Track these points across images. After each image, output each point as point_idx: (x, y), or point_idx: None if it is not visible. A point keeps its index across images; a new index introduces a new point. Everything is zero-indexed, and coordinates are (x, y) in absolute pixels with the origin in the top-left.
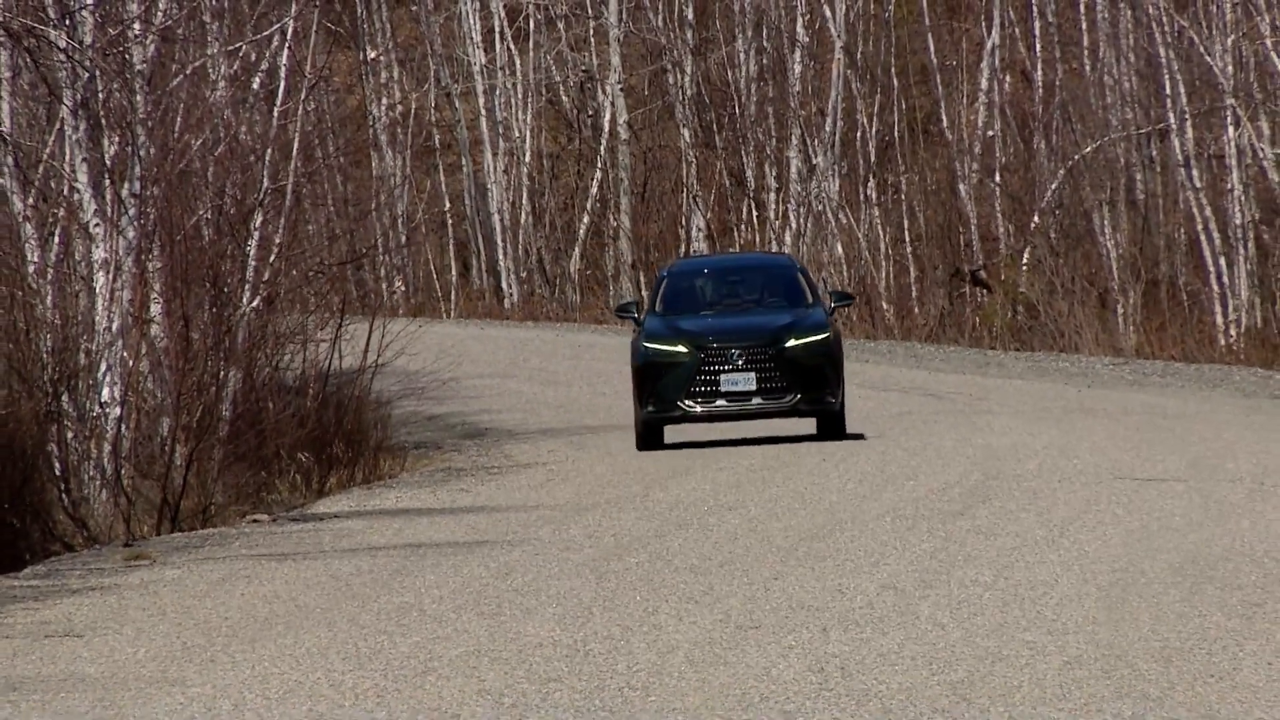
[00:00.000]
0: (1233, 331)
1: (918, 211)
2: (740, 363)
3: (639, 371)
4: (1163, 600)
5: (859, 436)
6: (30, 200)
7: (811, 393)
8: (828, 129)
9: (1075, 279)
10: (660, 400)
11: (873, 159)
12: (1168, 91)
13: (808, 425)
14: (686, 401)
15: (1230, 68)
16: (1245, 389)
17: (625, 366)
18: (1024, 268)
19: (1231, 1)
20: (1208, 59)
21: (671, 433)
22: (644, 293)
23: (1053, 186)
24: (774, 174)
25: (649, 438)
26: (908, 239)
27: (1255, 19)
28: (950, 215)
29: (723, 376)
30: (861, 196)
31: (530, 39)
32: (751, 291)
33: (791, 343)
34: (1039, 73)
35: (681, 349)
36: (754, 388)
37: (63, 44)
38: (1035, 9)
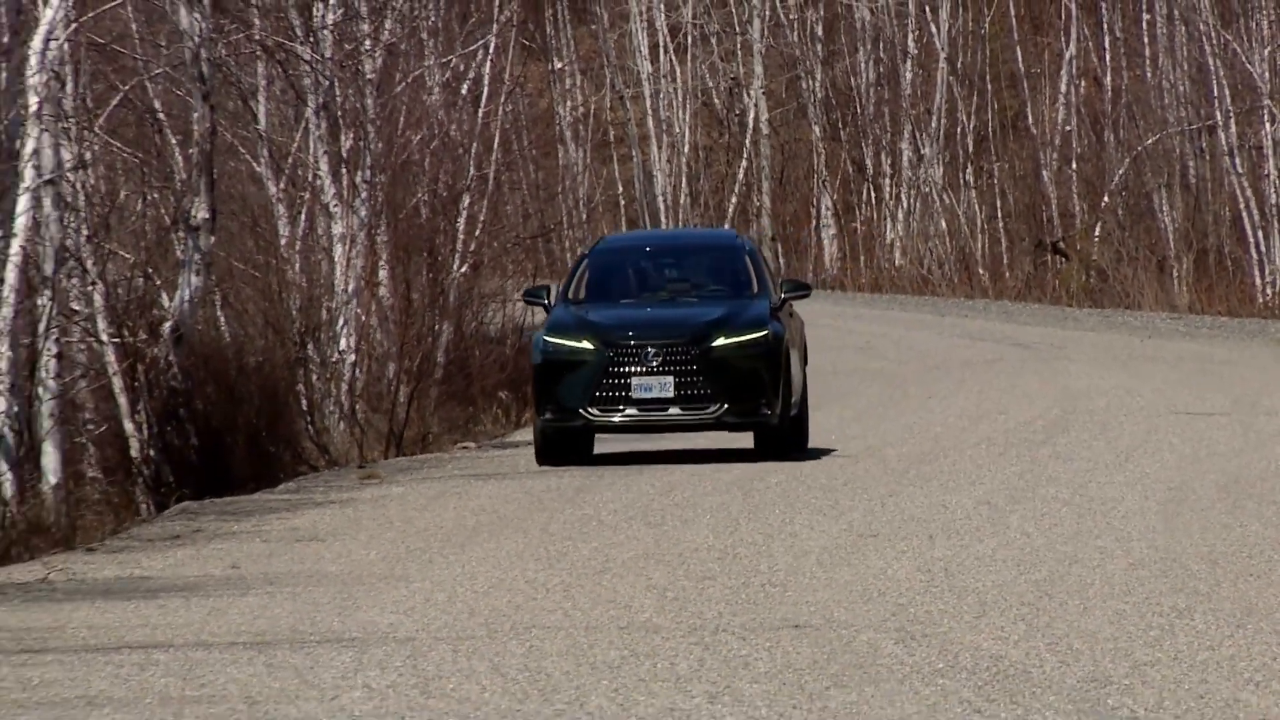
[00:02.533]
0: (1268, 291)
1: (1008, 193)
2: (656, 364)
3: (536, 371)
4: (1210, 513)
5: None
6: (281, 185)
7: (741, 402)
8: (933, 125)
9: (1138, 248)
10: (560, 407)
11: (970, 149)
12: (1215, 94)
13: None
14: (590, 409)
15: (1267, 74)
16: (1279, 339)
17: None
18: (1095, 239)
19: (1269, 19)
20: (1249, 67)
21: (601, 441)
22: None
23: (1119, 172)
24: (889, 162)
25: (550, 450)
26: (999, 216)
27: None
28: (1034, 196)
29: (635, 380)
30: (961, 181)
31: (688, 52)
32: (688, 277)
33: (720, 341)
34: (1108, 78)
35: (586, 345)
36: (671, 394)
37: (307, 57)
38: (1105, 26)
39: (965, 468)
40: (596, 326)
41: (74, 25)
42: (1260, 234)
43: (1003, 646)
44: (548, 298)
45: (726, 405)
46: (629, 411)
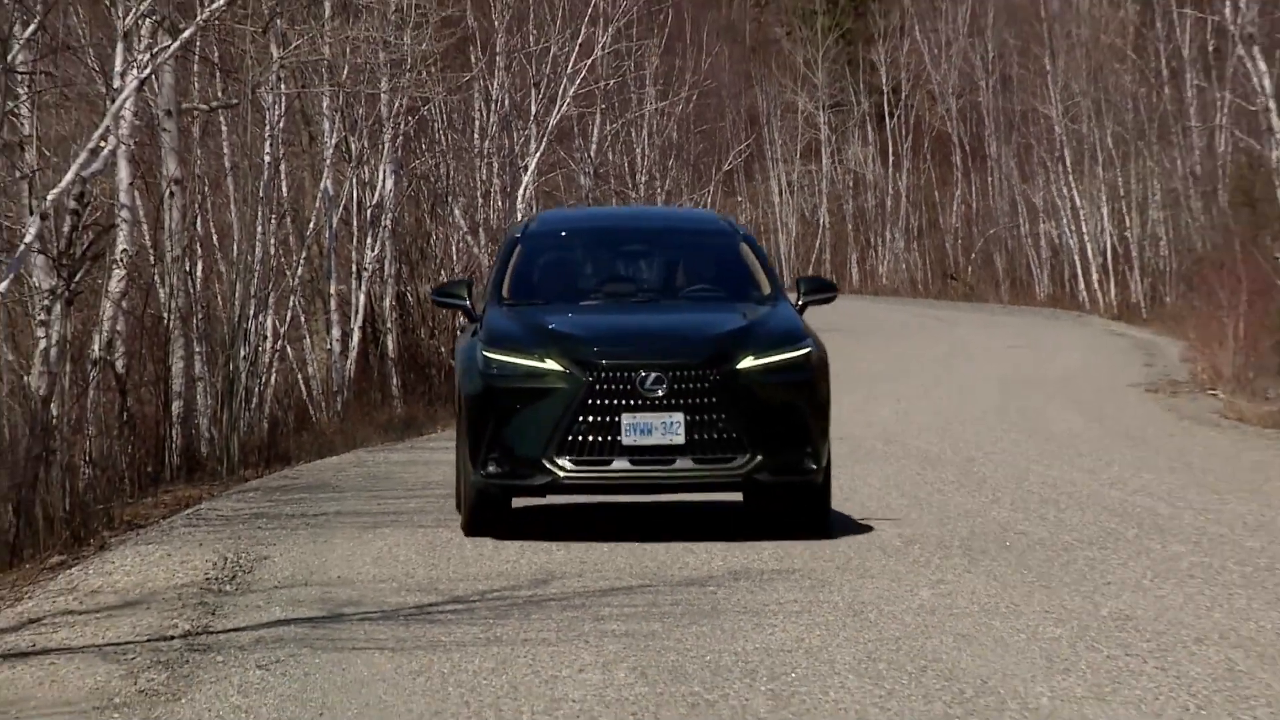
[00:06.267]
0: (1043, 295)
1: (930, 252)
2: (660, 395)
3: (471, 403)
4: (1020, 390)
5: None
6: None
7: (781, 453)
8: (900, 224)
9: (988, 277)
10: (510, 456)
11: (916, 234)
12: (1020, 211)
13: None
14: (559, 460)
15: (1042, 203)
16: (1048, 316)
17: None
18: (969, 273)
19: (1044, 179)
20: (1033, 200)
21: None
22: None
23: (979, 245)
24: (881, 240)
25: (485, 517)
26: (928, 262)
27: (1051, 184)
28: (943, 254)
29: (625, 418)
30: (914, 247)
31: (794, 193)
32: (669, 271)
33: (748, 363)
34: (975, 203)
35: (552, 365)
36: (681, 439)
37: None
38: (973, 182)
39: (913, 371)
40: (565, 339)
41: (539, 180)
42: (1038, 270)
43: (928, 446)
44: (468, 297)
45: (760, 456)
46: (618, 465)
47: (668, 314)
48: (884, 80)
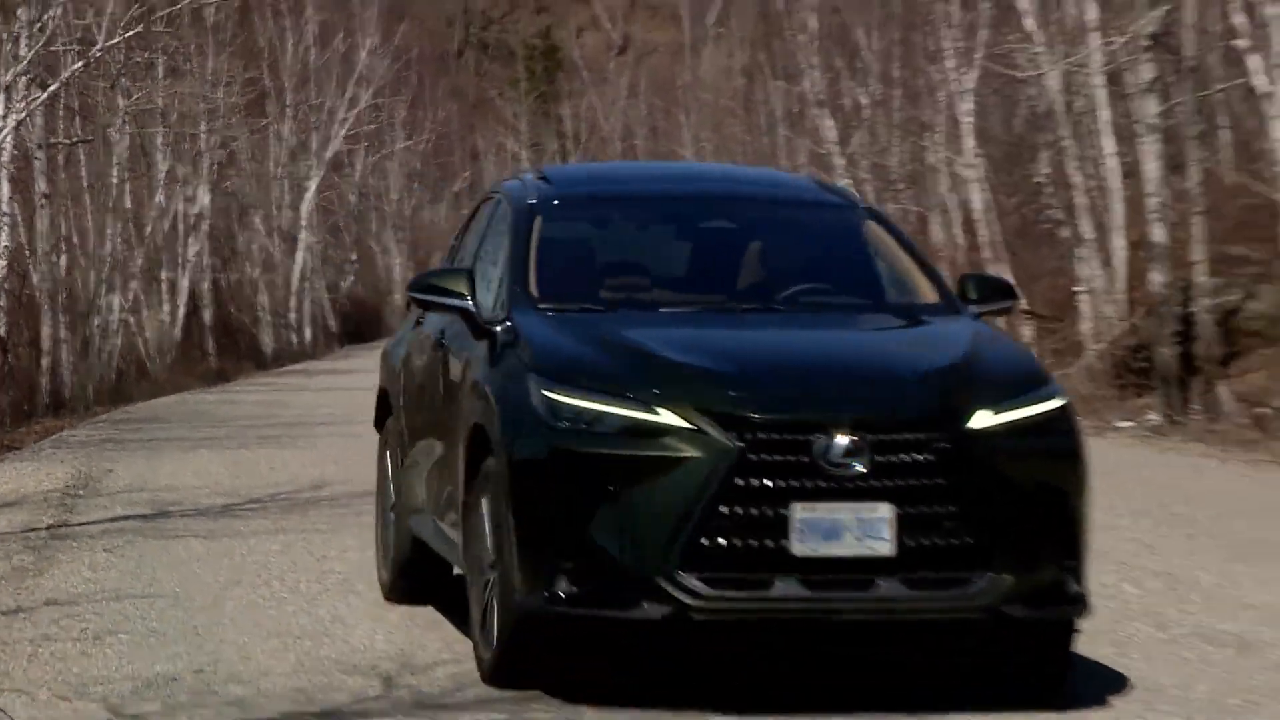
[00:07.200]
0: None
1: None
2: (858, 472)
3: (531, 473)
4: None
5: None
6: None
7: (1038, 569)
8: None
9: None
10: (600, 568)
11: None
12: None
13: None
14: (685, 578)
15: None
16: None
17: None
18: None
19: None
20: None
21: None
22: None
23: None
24: None
25: (530, 653)
26: None
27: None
28: None
29: (799, 511)
30: None
31: None
32: (775, 263)
33: (985, 420)
34: None
35: (672, 419)
36: (889, 548)
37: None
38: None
39: None
40: (682, 373)
41: (319, 197)
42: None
43: None
44: (471, 295)
45: (1009, 575)
46: (783, 588)
47: (829, 332)
48: (569, 128)
